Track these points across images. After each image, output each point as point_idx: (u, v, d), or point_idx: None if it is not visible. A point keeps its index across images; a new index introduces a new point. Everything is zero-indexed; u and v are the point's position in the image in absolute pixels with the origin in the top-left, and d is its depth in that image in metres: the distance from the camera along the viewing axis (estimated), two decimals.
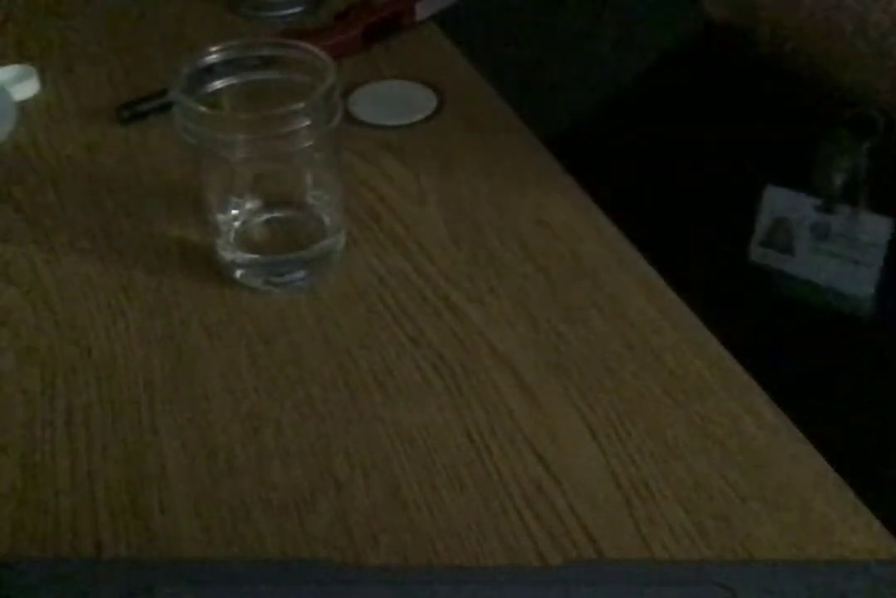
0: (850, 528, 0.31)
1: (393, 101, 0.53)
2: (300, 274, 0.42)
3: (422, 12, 0.58)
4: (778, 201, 0.38)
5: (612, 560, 0.30)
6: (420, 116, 0.52)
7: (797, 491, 0.32)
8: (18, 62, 0.55)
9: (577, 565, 0.30)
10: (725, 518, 0.31)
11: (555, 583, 0.28)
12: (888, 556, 0.30)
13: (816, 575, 0.28)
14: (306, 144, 0.38)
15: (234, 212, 0.42)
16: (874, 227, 0.38)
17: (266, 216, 0.43)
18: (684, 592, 0.28)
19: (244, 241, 0.42)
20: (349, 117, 0.51)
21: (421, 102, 0.53)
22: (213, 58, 0.39)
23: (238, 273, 0.42)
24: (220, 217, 0.41)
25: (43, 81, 0.54)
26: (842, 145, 0.35)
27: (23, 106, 0.52)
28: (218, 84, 0.39)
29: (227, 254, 0.41)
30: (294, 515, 0.32)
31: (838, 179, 0.37)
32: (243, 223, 0.42)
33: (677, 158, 0.50)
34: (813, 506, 0.32)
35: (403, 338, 0.39)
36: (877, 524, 0.31)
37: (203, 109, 0.37)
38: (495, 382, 0.37)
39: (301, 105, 0.36)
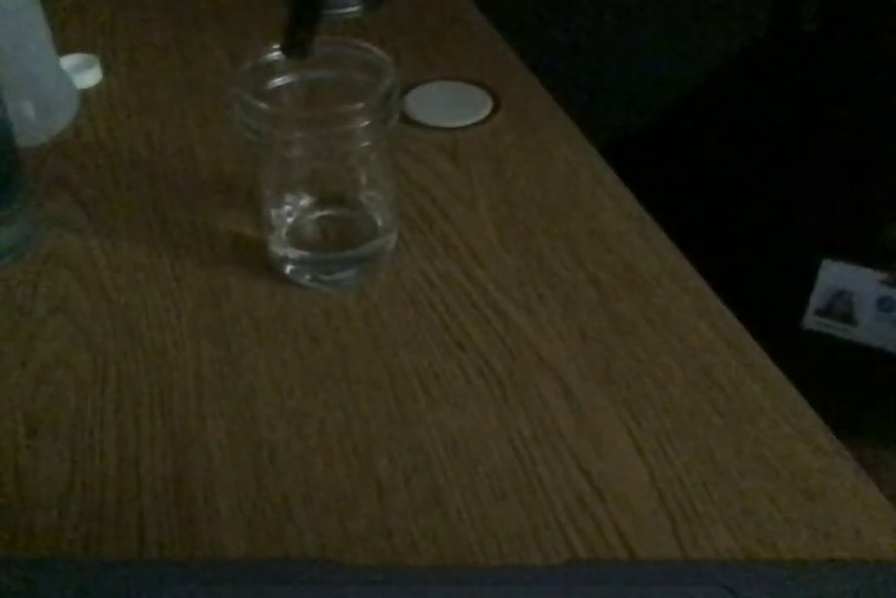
0: None
1: (448, 102, 0.53)
2: (350, 273, 0.42)
3: None
4: (837, 274, 0.39)
5: (612, 560, 0.30)
6: (475, 119, 0.51)
7: (850, 522, 0.31)
8: (82, 51, 0.56)
9: (577, 565, 0.30)
10: (773, 545, 0.31)
11: (555, 583, 0.28)
12: None
13: (818, 575, 0.28)
14: (363, 144, 0.38)
15: (288, 208, 0.42)
16: None
17: (319, 214, 0.43)
18: (685, 592, 0.27)
19: (296, 237, 0.42)
20: (404, 117, 0.51)
21: (476, 104, 0.52)
22: (274, 55, 0.39)
23: (288, 269, 0.42)
24: (274, 213, 0.42)
25: (105, 71, 0.55)
26: None
27: (85, 94, 0.53)
28: (278, 81, 0.40)
29: (279, 249, 0.42)
30: (335, 514, 0.32)
31: None
32: (296, 220, 0.43)
33: (734, 171, 0.49)
34: (867, 539, 0.31)
35: (450, 342, 0.39)
36: None
37: (262, 105, 0.37)
38: (541, 391, 0.36)
39: (360, 105, 0.36)
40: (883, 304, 0.38)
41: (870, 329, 0.39)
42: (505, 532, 0.31)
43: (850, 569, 0.28)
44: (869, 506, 0.32)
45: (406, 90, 0.52)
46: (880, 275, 0.38)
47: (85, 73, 0.54)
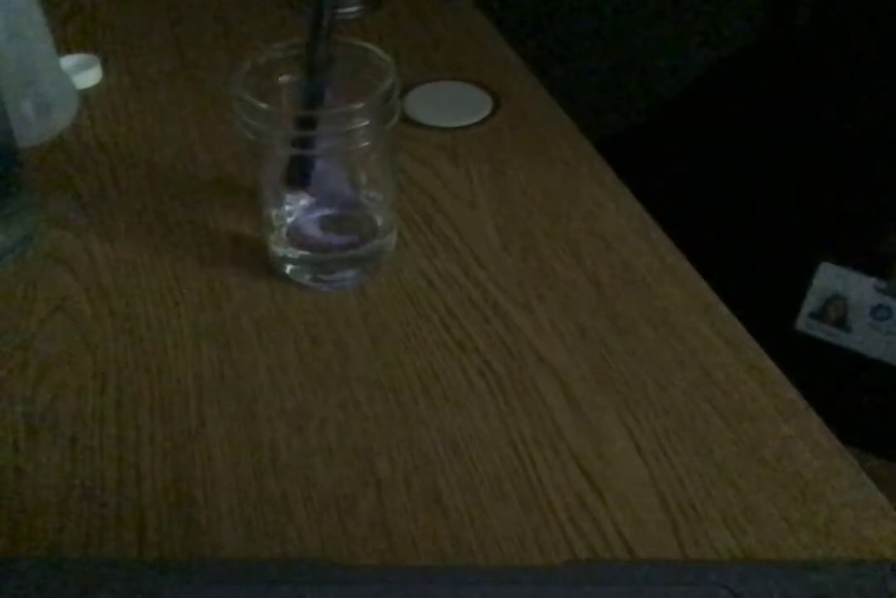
0: None
1: (448, 102, 0.53)
2: (350, 273, 0.42)
3: None
4: (833, 278, 0.39)
5: (611, 560, 0.30)
6: (475, 119, 0.51)
7: (850, 522, 0.31)
8: (82, 51, 0.56)
9: (577, 565, 0.30)
10: (773, 545, 0.31)
11: (555, 583, 0.28)
12: None
13: (818, 575, 0.28)
14: (363, 144, 0.38)
15: (288, 208, 0.42)
16: None
17: (319, 214, 0.43)
18: (684, 592, 0.28)
19: (296, 237, 0.42)
20: (404, 117, 0.51)
21: (476, 104, 0.52)
22: (274, 55, 0.39)
23: (288, 268, 0.42)
24: (274, 213, 0.42)
25: (106, 71, 0.55)
26: None
27: (85, 94, 0.53)
28: (278, 81, 0.40)
29: (279, 249, 0.42)
30: (335, 514, 0.32)
31: None
32: (296, 220, 0.43)
33: (733, 171, 0.49)
34: (867, 539, 0.31)
35: (450, 342, 0.39)
36: None
37: (261, 105, 0.37)
38: (541, 391, 0.36)
39: (360, 105, 0.36)
40: (877, 312, 0.38)
41: (862, 336, 0.39)
42: (505, 532, 0.31)
43: (850, 569, 0.28)
44: (869, 506, 0.32)
45: (406, 90, 0.52)
46: (877, 282, 0.38)
47: (85, 73, 0.54)
